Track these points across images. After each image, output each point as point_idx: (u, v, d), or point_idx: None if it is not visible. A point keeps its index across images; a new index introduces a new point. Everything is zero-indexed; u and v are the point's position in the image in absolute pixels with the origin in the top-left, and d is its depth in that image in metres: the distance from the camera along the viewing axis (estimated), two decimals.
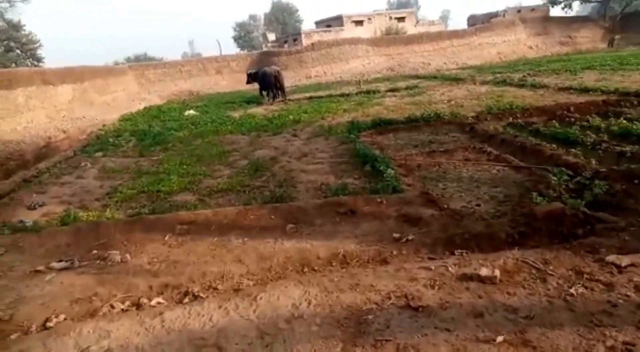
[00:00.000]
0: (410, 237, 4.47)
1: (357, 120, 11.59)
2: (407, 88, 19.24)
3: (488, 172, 6.60)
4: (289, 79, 30.10)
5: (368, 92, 19.28)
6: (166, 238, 5.10)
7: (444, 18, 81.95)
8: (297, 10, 77.42)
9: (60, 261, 4.75)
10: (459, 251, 4.21)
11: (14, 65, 56.30)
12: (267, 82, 19.95)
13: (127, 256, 4.73)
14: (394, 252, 4.27)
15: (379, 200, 5.33)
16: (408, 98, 16.19)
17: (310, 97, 19.71)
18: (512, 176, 6.33)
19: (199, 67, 33.47)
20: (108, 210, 6.43)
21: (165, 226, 5.33)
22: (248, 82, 21.97)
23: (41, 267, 4.66)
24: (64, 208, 6.79)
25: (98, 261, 4.72)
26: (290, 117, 14.02)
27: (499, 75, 21.25)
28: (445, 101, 14.38)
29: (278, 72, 20.31)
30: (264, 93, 20.50)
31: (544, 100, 12.62)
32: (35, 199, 7.32)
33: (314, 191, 6.56)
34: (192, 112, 17.78)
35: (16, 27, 65.17)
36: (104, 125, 16.57)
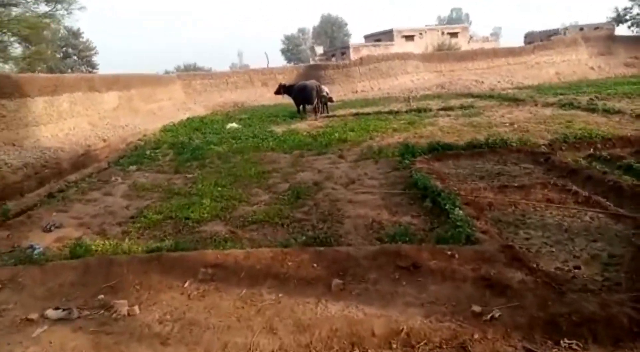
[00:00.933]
0: (496, 314, 3.37)
1: (411, 143, 10.52)
2: (461, 107, 17.97)
3: (579, 220, 5.39)
4: (334, 93, 29.33)
5: (419, 110, 18.15)
6: (186, 285, 4.21)
7: (495, 35, 79.73)
8: (346, 24, 77.28)
9: (58, 308, 3.94)
10: (567, 341, 3.09)
11: (69, 71, 58.52)
12: (307, 96, 19.25)
13: (136, 308, 3.86)
14: (476, 336, 3.18)
15: (449, 253, 4.25)
16: (463, 119, 14.95)
17: (357, 114, 18.75)
18: (612, 227, 5.10)
19: (245, 78, 33.25)
20: (127, 239, 5.64)
21: (187, 267, 4.44)
22: (278, 93, 21.06)
23: (35, 315, 3.86)
24: (80, 233, 6.06)
25: (101, 312, 3.88)
26: (336, 135, 13.09)
27: (561, 97, 19.66)
28: (507, 124, 13.08)
29: (319, 86, 19.64)
30: (301, 108, 19.92)
31: (623, 128, 11.15)
32: (54, 219, 6.65)
33: (365, 229, 5.55)
34: (234, 125, 17.18)
35: (75, 34, 67.85)
36: (144, 136, 16.17)
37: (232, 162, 10.46)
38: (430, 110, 18.05)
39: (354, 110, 20.28)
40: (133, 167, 10.54)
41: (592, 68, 35.45)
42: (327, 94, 20.55)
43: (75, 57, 68.65)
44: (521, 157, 8.77)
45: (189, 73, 36.56)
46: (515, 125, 12.76)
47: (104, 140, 15.80)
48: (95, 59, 71.16)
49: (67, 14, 33.18)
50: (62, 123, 16.12)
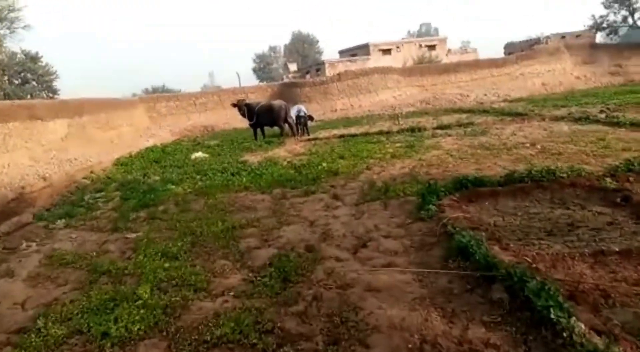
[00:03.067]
0: None
1: (421, 176, 8.24)
2: (460, 125, 15.87)
3: None
4: (313, 112, 27.07)
5: (412, 130, 15.96)
6: None
7: (464, 49, 79.31)
8: (318, 41, 75.74)
9: None
10: None
11: (29, 97, 55.05)
12: (275, 117, 17.37)
13: None
14: None
15: None
16: (469, 139, 12.79)
17: (342, 136, 16.46)
18: None
19: (214, 99, 30.75)
20: None
21: None
22: (236, 106, 18.71)
23: None
24: None
25: None
26: (324, 165, 10.71)
27: (564, 109, 17.85)
28: (528, 145, 10.94)
29: (287, 105, 17.80)
30: (258, 131, 18.07)
31: None
32: None
33: None
34: (200, 154, 14.64)
35: (34, 58, 64.40)
36: (91, 172, 13.46)
37: (192, 210, 7.92)
38: (425, 129, 15.91)
39: (337, 132, 18.02)
40: (61, 222, 7.90)
41: (577, 77, 34.31)
42: (304, 112, 18.42)
43: (34, 83, 65.09)
44: (582, 194, 6.51)
45: (152, 95, 33.81)
46: (539, 146, 10.62)
47: (44, 179, 13.06)
48: (56, 84, 67.65)
49: (10, 33, 30.11)
50: None
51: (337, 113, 28.76)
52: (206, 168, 11.91)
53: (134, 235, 6.77)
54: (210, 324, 3.80)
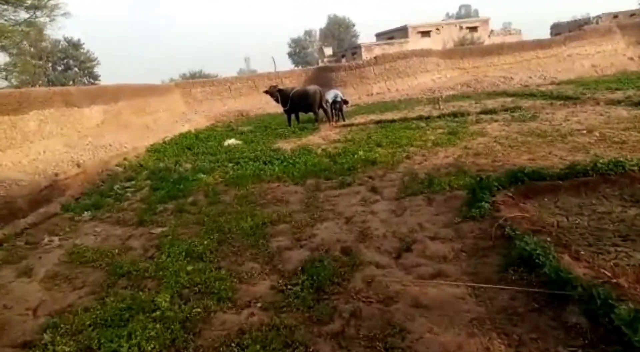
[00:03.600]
0: None
1: (469, 169, 7.52)
2: (506, 110, 14.86)
3: None
4: (348, 97, 26.33)
5: (454, 115, 15.06)
6: None
7: (505, 30, 76.03)
8: (354, 25, 74.32)
9: None
10: None
11: (71, 83, 56.38)
12: (310, 103, 16.85)
13: None
14: None
15: None
16: (517, 125, 11.86)
17: (379, 121, 15.72)
18: None
19: (249, 84, 30.37)
20: None
21: None
22: (270, 93, 18.46)
23: None
24: None
25: None
26: (360, 153, 10.07)
27: (619, 93, 16.50)
28: (584, 132, 9.97)
29: (322, 91, 17.19)
30: (292, 117, 17.67)
31: None
32: None
33: None
34: (233, 141, 14.25)
35: (75, 45, 65.96)
36: (124, 159, 13.29)
37: (222, 202, 7.49)
38: (468, 114, 14.96)
39: (374, 117, 17.28)
40: (87, 214, 7.62)
41: (631, 59, 32.00)
42: (341, 97, 17.77)
43: (76, 69, 66.66)
44: None
45: (189, 81, 33.76)
46: (597, 133, 9.65)
47: (78, 166, 12.99)
48: (97, 70, 69.20)
49: (50, 21, 30.52)
50: (28, 147, 13.39)
51: (373, 97, 27.87)
52: (238, 156, 11.49)
53: (159, 230, 6.39)
54: (233, 343, 3.31)
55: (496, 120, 13.05)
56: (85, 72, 67.46)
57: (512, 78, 29.06)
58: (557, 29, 38.10)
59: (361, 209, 6.34)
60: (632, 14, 35.54)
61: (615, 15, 34.85)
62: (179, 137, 17.03)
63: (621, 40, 33.38)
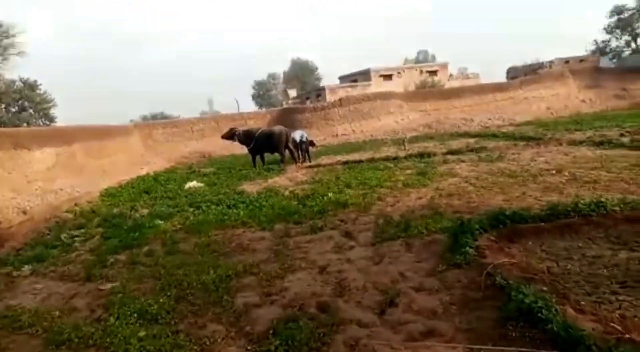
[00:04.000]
0: None
1: (457, 214, 7.20)
2: (471, 150, 14.91)
3: None
4: (313, 138, 26.17)
5: (420, 155, 15.00)
6: None
7: (465, 74, 79.06)
8: (317, 68, 75.63)
9: None
10: None
11: (25, 124, 54.33)
12: (275, 144, 16.56)
13: None
14: None
15: None
16: (485, 165, 11.79)
17: (346, 162, 15.46)
18: None
19: (212, 126, 29.86)
20: None
21: None
22: (227, 137, 18.48)
23: None
24: None
25: None
26: (330, 195, 9.65)
27: (578, 133, 16.98)
28: (554, 172, 9.92)
29: (288, 131, 17.04)
30: (258, 158, 17.32)
31: None
32: None
33: None
34: (194, 184, 13.58)
35: (31, 86, 64.12)
36: (75, 205, 12.38)
37: (181, 251, 6.82)
38: (434, 154, 14.94)
39: (340, 158, 17.04)
40: (27, 268, 6.76)
41: (583, 101, 33.65)
42: (306, 137, 17.62)
43: (31, 111, 64.55)
44: None
45: (149, 122, 32.97)
46: (566, 173, 9.61)
47: (25, 213, 12.00)
48: (53, 111, 67.18)
49: (2, 60, 29.38)
50: None
51: (338, 138, 27.89)
52: (200, 199, 10.84)
53: (109, 286, 5.65)
54: None
55: (463, 161, 12.99)
56: (41, 113, 65.33)
57: (472, 120, 29.83)
58: (513, 73, 39.80)
59: (336, 256, 5.83)
60: (581, 59, 37.60)
61: (567, 61, 36.75)
62: (135, 180, 16.19)
63: (573, 84, 35.11)
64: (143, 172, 20.36)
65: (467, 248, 5.06)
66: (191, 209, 9.97)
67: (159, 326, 4.30)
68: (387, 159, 15.15)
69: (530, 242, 5.53)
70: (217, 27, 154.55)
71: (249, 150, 17.34)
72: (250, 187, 12.20)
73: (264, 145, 16.87)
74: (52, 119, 65.56)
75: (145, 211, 10.50)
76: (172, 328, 4.23)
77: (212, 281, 5.30)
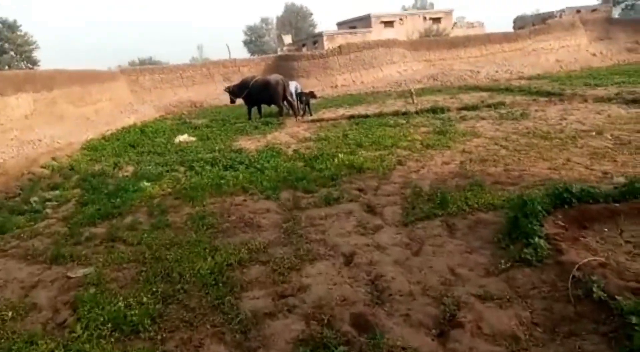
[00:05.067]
0: None
1: (498, 185, 6.08)
2: (488, 106, 13.63)
3: None
4: (311, 88, 24.65)
5: (433, 111, 13.73)
6: None
7: (470, 23, 75.94)
8: (312, 14, 72.38)
9: None
10: None
11: (6, 67, 51.65)
12: (272, 95, 15.07)
13: None
14: None
15: None
16: (510, 124, 10.60)
17: (352, 117, 14.18)
18: None
19: (203, 72, 28.06)
20: None
21: None
22: (232, 102, 16.88)
23: None
24: None
25: None
26: (341, 156, 8.46)
27: (599, 88, 15.69)
28: (593, 133, 8.78)
29: (286, 81, 15.48)
30: (254, 110, 16.00)
31: None
32: None
33: None
34: (185, 137, 12.31)
35: (11, 27, 60.76)
36: (53, 159, 11.12)
37: (170, 225, 5.68)
38: (448, 110, 13.69)
39: (344, 112, 15.73)
40: None
41: (593, 54, 32.02)
42: (301, 89, 16.39)
43: (12, 53, 61.43)
44: None
45: (136, 68, 30.98)
46: (609, 136, 8.47)
47: None
48: (36, 54, 64.03)
49: None
50: None
51: (337, 89, 26.33)
52: (192, 157, 9.63)
53: (80, 272, 4.54)
54: None
55: (483, 118, 11.77)
56: (23, 56, 62.25)
57: (478, 72, 28.29)
58: (521, 23, 37.75)
59: (362, 240, 4.72)
60: (594, 9, 35.59)
61: (578, 10, 34.77)
62: (121, 132, 14.83)
63: (584, 36, 33.36)
64: (130, 121, 18.95)
65: (537, 238, 3.96)
66: (182, 169, 8.78)
67: (141, 341, 3.23)
68: (396, 113, 13.87)
69: (605, 229, 4.44)
70: None
71: (244, 101, 15.95)
72: (248, 144, 10.97)
73: (259, 96, 15.45)
74: (35, 62, 62.60)
75: (130, 169, 9.31)
76: (158, 347, 3.16)
77: (210, 271, 4.20)
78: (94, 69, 24.80)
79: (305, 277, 4.01)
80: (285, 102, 15.57)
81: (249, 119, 15.45)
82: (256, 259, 4.46)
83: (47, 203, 7.23)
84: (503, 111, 12.53)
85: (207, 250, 4.70)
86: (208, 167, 8.50)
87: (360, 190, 6.51)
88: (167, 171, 8.66)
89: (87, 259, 4.87)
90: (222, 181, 7.32)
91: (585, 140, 8.29)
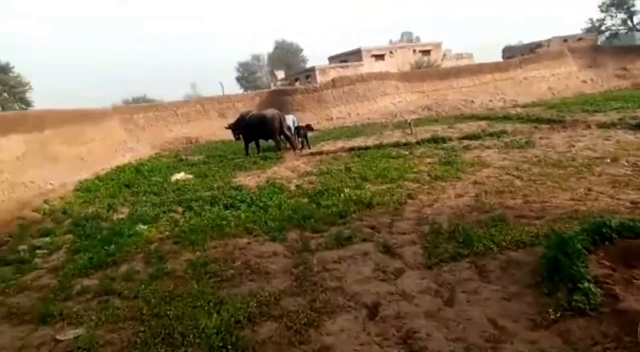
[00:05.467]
0: None
1: (522, 219, 5.66)
2: (490, 135, 13.39)
3: None
4: (307, 122, 24.48)
5: (434, 140, 13.46)
6: None
7: (459, 54, 77.03)
8: (302, 50, 73.31)
9: None
10: None
11: (0, 108, 51.45)
12: (269, 129, 14.77)
13: None
14: None
15: None
16: (518, 153, 10.30)
17: (352, 149, 13.86)
18: None
19: (197, 109, 27.91)
20: None
21: None
22: (237, 138, 16.60)
23: None
24: None
25: None
26: (347, 191, 8.06)
27: (598, 114, 15.54)
28: (608, 161, 8.46)
29: (282, 115, 15.28)
30: (251, 145, 15.62)
31: None
32: None
33: None
34: (182, 176, 11.90)
35: (4, 69, 60.99)
36: (45, 202, 10.64)
37: (170, 274, 5.20)
38: (450, 139, 13.43)
39: (343, 144, 15.42)
40: None
41: (584, 81, 32.33)
42: (297, 123, 16.23)
43: (5, 94, 61.44)
44: None
45: (130, 106, 30.82)
46: (624, 162, 8.15)
47: None
48: (29, 95, 64.07)
49: None
50: None
51: (333, 122, 26.20)
52: (190, 196, 9.19)
53: (71, 334, 4.03)
54: None
55: (488, 147, 11.48)
56: (16, 97, 62.24)
57: (472, 101, 28.37)
58: (509, 53, 38.30)
59: (385, 288, 4.26)
60: (579, 38, 36.22)
61: (565, 39, 35.36)
62: (116, 171, 14.40)
63: (573, 64, 33.78)
64: (125, 159, 18.60)
65: (585, 282, 3.53)
66: (180, 209, 8.32)
67: None
68: (397, 144, 13.57)
69: None
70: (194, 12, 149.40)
71: (241, 136, 15.68)
72: (248, 180, 10.57)
73: (255, 130, 15.17)
74: (28, 104, 62.50)
75: (125, 211, 8.84)
76: None
77: (216, 330, 3.71)
78: (87, 108, 24.56)
79: (327, 336, 3.53)
80: (282, 136, 15.29)
81: (246, 154, 15.12)
82: (267, 314, 3.98)
83: (37, 251, 6.72)
84: (506, 139, 12.26)
85: (212, 304, 4.22)
86: (207, 207, 8.05)
87: (372, 228, 6.08)
88: (165, 212, 8.19)
89: (78, 317, 4.36)
90: (224, 222, 6.86)
91: (602, 167, 7.96)
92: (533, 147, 10.82)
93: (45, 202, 10.66)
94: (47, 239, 7.39)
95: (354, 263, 4.96)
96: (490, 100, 28.39)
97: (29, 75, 54.12)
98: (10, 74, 61.14)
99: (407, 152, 12.01)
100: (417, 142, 13.53)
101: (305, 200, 7.96)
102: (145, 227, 7.22)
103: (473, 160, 9.82)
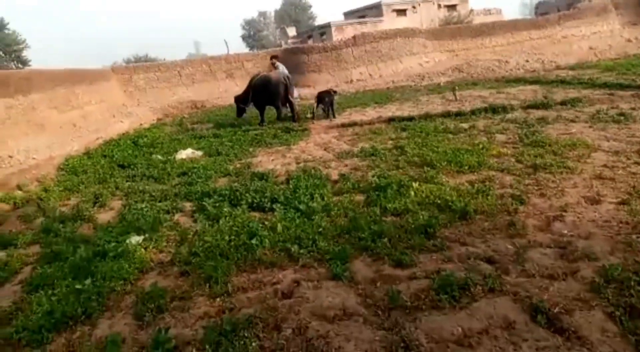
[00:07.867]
0: None
1: None
2: (564, 104, 10.99)
3: None
4: (325, 85, 22.03)
5: (493, 109, 11.10)
6: None
7: (487, 10, 72.71)
8: (311, 6, 69.53)
9: None
10: None
11: None
12: (271, 93, 12.64)
13: None
14: None
15: None
16: (617, 128, 7.99)
17: (392, 119, 11.53)
18: None
19: (204, 69, 25.34)
20: None
21: None
22: (240, 115, 14.26)
23: None
24: None
25: None
26: (415, 185, 5.84)
27: None
28: None
29: (288, 77, 12.85)
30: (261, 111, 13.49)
31: None
32: None
33: None
34: (189, 153, 9.68)
35: None
36: (17, 187, 8.50)
37: (177, 348, 3.09)
38: (512, 108, 11.07)
39: (375, 113, 13.10)
40: None
41: (629, 40, 29.27)
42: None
43: (1, 53, 58.70)
44: None
45: (129, 65, 28.23)
46: None
47: None
48: (26, 53, 61.34)
49: None
50: None
51: (353, 84, 23.65)
52: (201, 187, 6.99)
53: None
54: None
55: (572, 121, 9.13)
56: (13, 55, 59.49)
57: (507, 62, 25.61)
58: (544, 8, 35.03)
59: None
60: None
61: None
62: (109, 144, 12.19)
63: (616, 20, 30.65)
64: (123, 126, 16.45)
65: None
66: (189, 207, 6.16)
67: None
68: (447, 114, 11.23)
69: None
70: None
71: (253, 103, 13.45)
72: (272, 161, 8.36)
73: (259, 95, 12.91)
74: (25, 62, 59.86)
75: (115, 206, 6.69)
76: None
77: None
78: (82, 68, 22.06)
79: None
80: (287, 104, 13.05)
81: (261, 123, 12.88)
82: None
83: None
84: (587, 110, 9.91)
85: None
86: (226, 207, 5.85)
87: (489, 261, 3.89)
88: (167, 212, 6.02)
89: None
90: (253, 241, 4.66)
91: None
92: (634, 121, 8.47)
93: (19, 187, 8.52)
94: (3, 254, 5.26)
95: (496, 346, 2.80)
96: (527, 61, 25.62)
97: (26, 34, 51.39)
98: (6, 31, 58.16)
99: (465, 126, 9.70)
100: (472, 112, 11.17)
101: (360, 198, 5.77)
102: (140, 239, 5.07)
103: (566, 140, 7.51)
